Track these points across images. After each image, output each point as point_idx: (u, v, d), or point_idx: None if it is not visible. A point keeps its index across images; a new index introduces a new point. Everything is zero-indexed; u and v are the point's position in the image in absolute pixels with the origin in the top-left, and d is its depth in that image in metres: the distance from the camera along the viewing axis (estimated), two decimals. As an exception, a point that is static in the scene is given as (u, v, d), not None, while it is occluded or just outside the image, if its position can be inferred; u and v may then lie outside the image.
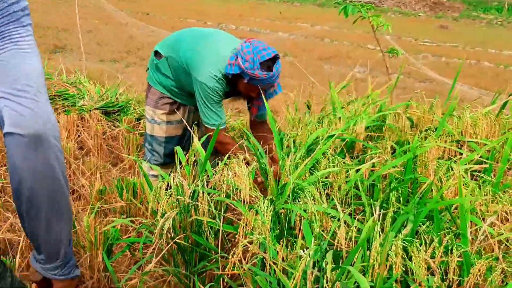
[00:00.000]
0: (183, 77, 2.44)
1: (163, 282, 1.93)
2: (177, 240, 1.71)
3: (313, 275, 1.26)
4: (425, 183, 1.71)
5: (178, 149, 1.99)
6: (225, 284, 1.70)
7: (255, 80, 2.23)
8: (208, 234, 1.73)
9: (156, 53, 2.52)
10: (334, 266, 1.26)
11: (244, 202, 1.66)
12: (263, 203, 1.57)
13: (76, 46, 7.14)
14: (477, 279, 1.31)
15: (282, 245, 1.45)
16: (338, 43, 11.78)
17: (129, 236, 2.21)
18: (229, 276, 1.45)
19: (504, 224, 1.63)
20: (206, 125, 2.39)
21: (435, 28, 17.34)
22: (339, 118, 2.31)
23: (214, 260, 1.74)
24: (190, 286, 1.81)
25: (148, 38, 10.08)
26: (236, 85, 2.36)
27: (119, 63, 7.84)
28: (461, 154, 2.12)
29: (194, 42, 2.41)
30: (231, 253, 1.44)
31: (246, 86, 2.31)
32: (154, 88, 2.55)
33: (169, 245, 1.72)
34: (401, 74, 3.36)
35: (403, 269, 1.34)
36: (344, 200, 1.81)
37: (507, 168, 2.10)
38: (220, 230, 1.66)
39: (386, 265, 1.30)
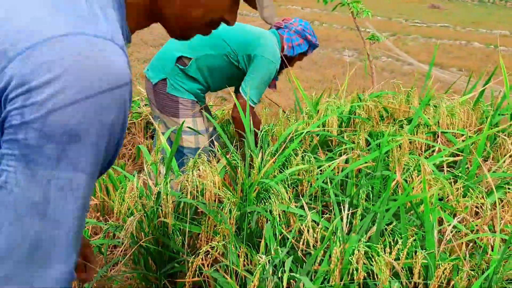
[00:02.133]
0: (220, 72, 2.41)
1: (134, 283, 1.90)
2: (143, 243, 1.67)
3: (273, 282, 1.23)
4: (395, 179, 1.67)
5: (142, 147, 1.94)
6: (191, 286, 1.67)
7: (316, 47, 2.61)
8: (176, 236, 1.69)
9: (179, 59, 2.35)
10: (291, 274, 1.23)
11: (212, 201, 1.62)
12: (228, 205, 1.53)
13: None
14: (442, 281, 1.29)
15: (244, 248, 1.41)
16: (327, 26, 11.67)
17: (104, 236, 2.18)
18: (190, 283, 1.41)
19: (474, 221, 1.60)
20: (244, 95, 2.32)
21: (426, 7, 17.21)
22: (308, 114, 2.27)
23: (183, 261, 1.71)
24: (160, 287, 1.79)
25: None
26: (288, 62, 2.55)
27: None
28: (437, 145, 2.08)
29: (241, 31, 2.42)
30: (192, 257, 1.41)
31: (301, 57, 2.60)
32: (183, 98, 2.38)
33: (135, 247, 1.68)
34: (370, 64, 3.28)
35: (367, 272, 1.31)
36: (314, 198, 1.78)
37: (483, 159, 2.07)
38: (186, 232, 1.62)
39: (348, 270, 1.27)
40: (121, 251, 1.86)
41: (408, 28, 12.12)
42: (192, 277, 1.41)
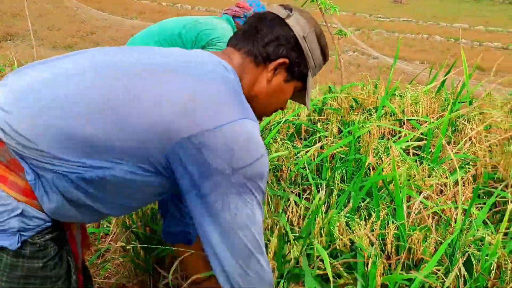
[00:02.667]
0: None
1: (124, 269, 1.99)
2: (133, 229, 1.77)
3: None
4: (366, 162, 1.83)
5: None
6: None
7: None
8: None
9: None
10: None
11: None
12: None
13: (28, 33, 6.93)
14: (414, 248, 1.44)
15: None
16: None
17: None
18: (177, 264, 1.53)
19: (440, 197, 1.77)
20: None
21: (389, 3, 17.63)
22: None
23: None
24: (150, 270, 1.89)
25: (102, 22, 9.87)
26: None
27: (72, 48, 7.68)
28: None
29: (195, 26, 2.52)
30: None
31: None
32: None
33: (127, 233, 1.78)
34: (339, 58, 3.43)
35: (349, 242, 1.46)
36: (293, 182, 1.91)
37: (446, 142, 2.24)
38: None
39: (332, 240, 1.41)
40: (112, 239, 1.95)
41: (372, 23, 12.44)
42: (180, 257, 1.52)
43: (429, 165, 1.92)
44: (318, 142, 2.10)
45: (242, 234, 1.00)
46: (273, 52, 1.14)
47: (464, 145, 2.13)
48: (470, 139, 2.16)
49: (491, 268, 1.36)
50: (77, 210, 1.01)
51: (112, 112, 0.93)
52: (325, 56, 1.24)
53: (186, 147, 0.93)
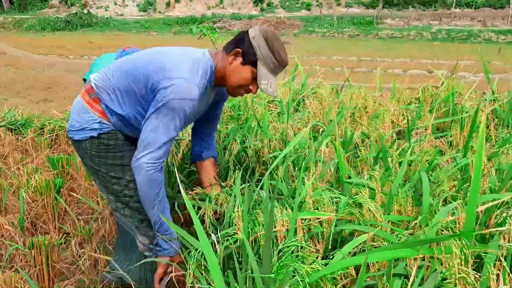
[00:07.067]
0: None
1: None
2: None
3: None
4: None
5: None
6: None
7: None
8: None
9: None
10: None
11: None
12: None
13: None
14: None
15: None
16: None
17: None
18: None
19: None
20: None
21: (277, 44, 19.58)
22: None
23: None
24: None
25: (12, 74, 10.42)
26: None
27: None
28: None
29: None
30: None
31: None
32: None
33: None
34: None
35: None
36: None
37: (295, 110, 3.57)
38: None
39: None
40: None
41: (264, 60, 14.04)
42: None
43: (286, 120, 3.20)
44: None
45: (149, 129, 1.70)
46: (235, 46, 1.79)
47: (307, 109, 3.47)
48: (309, 107, 3.51)
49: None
50: (126, 127, 1.87)
51: (132, 74, 1.78)
52: (273, 54, 1.76)
53: (160, 89, 1.70)
